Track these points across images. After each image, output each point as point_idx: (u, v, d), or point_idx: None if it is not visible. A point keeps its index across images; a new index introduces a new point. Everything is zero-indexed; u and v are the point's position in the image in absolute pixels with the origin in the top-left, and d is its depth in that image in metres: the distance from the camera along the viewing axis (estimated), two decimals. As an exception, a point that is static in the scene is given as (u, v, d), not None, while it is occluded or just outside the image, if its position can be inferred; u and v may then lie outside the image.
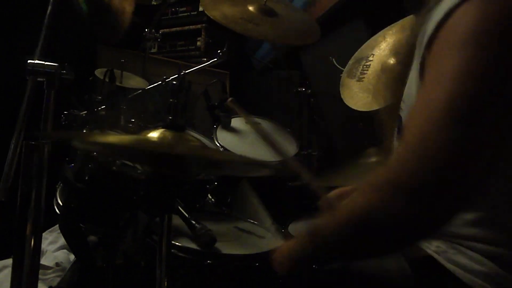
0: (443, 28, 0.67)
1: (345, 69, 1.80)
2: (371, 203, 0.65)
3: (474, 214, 0.74)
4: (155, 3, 2.96)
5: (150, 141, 0.74)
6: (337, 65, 1.96)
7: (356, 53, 1.82)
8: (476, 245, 0.74)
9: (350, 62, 1.79)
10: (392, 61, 1.56)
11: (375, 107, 1.67)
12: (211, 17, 1.74)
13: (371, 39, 1.81)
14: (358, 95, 1.72)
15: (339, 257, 0.79)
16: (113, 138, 0.69)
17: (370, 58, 1.75)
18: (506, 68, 0.63)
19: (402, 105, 0.85)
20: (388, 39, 1.76)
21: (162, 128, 0.81)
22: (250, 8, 1.83)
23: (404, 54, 0.86)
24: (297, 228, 1.54)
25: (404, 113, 0.85)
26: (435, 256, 0.77)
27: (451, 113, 0.61)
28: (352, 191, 0.81)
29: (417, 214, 0.61)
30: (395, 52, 1.55)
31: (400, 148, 0.67)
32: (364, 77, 1.69)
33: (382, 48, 1.75)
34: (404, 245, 0.73)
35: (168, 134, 0.79)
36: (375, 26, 1.88)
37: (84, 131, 1.55)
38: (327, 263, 0.84)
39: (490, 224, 0.73)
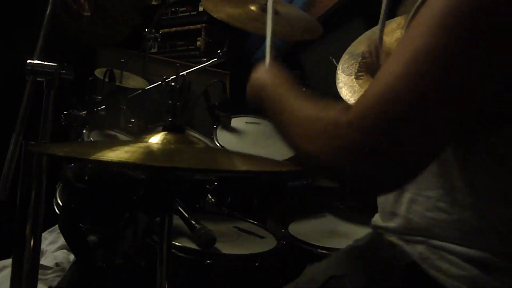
0: (424, 4, 0.67)
1: (340, 65, 1.79)
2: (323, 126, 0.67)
3: (457, 214, 0.74)
4: (155, 3, 2.96)
5: (153, 155, 0.73)
6: (337, 65, 1.96)
7: (349, 48, 1.81)
8: (456, 247, 0.74)
9: (345, 57, 1.79)
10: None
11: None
12: (218, 18, 1.74)
13: (363, 34, 1.80)
14: (358, 93, 1.71)
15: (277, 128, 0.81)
16: (113, 154, 0.68)
17: (367, 55, 1.74)
18: (473, 54, 0.61)
19: None
20: (383, 37, 1.75)
21: (162, 130, 0.81)
22: (252, 7, 1.83)
23: None
24: (297, 228, 1.54)
25: None
26: (419, 262, 0.77)
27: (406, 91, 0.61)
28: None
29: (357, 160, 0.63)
30: None
31: (361, 99, 0.67)
32: (362, 75, 1.69)
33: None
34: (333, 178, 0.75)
35: (170, 138, 0.78)
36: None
37: (84, 135, 1.55)
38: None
39: (473, 225, 0.73)
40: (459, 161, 0.72)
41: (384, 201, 0.86)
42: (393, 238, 0.83)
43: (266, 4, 1.85)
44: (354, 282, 0.82)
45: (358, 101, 0.65)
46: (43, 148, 0.87)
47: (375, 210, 0.94)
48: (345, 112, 0.64)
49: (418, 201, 0.78)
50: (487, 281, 0.72)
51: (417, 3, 0.69)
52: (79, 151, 0.76)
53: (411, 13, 0.71)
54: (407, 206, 0.80)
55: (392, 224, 0.83)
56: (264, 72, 0.92)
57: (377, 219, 0.90)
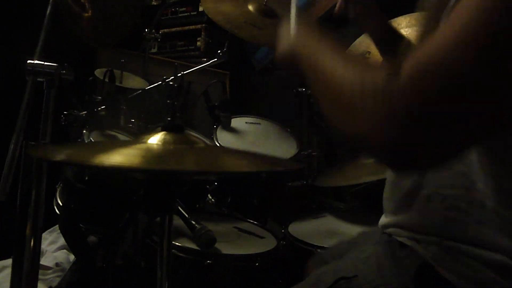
0: None
1: None
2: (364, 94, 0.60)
3: (476, 216, 0.72)
4: (155, 3, 2.96)
5: (153, 158, 0.72)
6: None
7: (350, 48, 1.82)
8: (473, 250, 0.72)
9: None
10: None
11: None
12: (215, 22, 1.73)
13: (364, 35, 1.80)
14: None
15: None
16: (113, 159, 0.68)
17: (367, 56, 1.75)
18: None
19: None
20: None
21: (162, 130, 0.81)
22: (250, 8, 1.83)
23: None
24: (297, 228, 1.54)
25: None
26: (432, 263, 0.76)
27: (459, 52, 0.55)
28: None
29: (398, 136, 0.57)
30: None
31: (409, 62, 0.59)
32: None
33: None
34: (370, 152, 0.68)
35: (169, 138, 0.78)
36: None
37: (84, 135, 1.55)
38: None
39: (492, 228, 0.71)
40: (483, 162, 0.70)
41: (398, 193, 0.84)
42: (404, 239, 0.81)
43: (264, 5, 1.85)
44: (364, 283, 0.80)
45: (409, 63, 0.57)
46: (41, 153, 0.86)
47: (376, 211, 0.93)
48: (395, 77, 0.57)
49: (435, 199, 0.76)
50: (504, 285, 0.70)
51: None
52: (79, 155, 0.76)
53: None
54: (423, 203, 0.78)
55: (405, 218, 0.81)
56: (296, 34, 0.80)
57: (385, 218, 0.88)
